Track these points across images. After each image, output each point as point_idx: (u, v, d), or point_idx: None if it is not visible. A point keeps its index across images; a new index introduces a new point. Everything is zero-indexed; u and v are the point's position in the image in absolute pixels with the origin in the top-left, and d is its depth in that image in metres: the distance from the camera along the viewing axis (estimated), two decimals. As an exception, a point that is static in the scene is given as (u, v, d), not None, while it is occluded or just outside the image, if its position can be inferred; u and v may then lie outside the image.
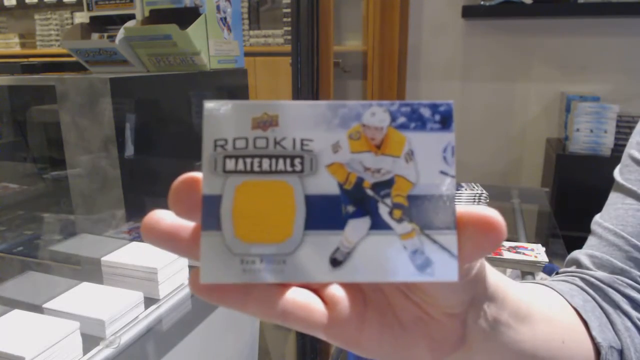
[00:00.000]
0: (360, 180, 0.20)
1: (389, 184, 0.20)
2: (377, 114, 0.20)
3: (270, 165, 0.20)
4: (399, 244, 0.20)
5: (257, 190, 0.19)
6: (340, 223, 0.20)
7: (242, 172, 0.19)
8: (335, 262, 0.20)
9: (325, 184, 0.20)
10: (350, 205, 0.20)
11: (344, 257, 0.20)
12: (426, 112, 0.20)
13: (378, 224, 0.20)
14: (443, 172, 0.20)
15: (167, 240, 0.20)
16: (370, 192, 0.20)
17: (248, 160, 0.20)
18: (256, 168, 0.20)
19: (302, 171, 0.20)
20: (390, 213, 0.20)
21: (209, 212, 0.19)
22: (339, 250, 0.20)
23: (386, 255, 0.20)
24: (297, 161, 0.20)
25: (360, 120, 0.20)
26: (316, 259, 0.20)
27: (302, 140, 0.20)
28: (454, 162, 0.20)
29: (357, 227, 0.20)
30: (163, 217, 0.20)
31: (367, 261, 0.20)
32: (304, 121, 0.20)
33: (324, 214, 0.20)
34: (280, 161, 0.20)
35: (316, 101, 0.20)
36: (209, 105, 0.19)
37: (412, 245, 0.20)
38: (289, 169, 0.20)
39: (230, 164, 0.19)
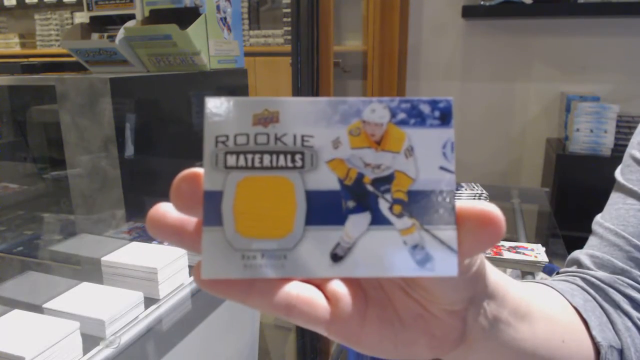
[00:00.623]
0: (360, 176, 0.20)
1: (389, 179, 0.20)
2: (377, 111, 0.20)
3: (271, 161, 0.20)
4: (399, 239, 0.20)
5: (258, 186, 0.20)
6: (340, 218, 0.20)
7: (243, 168, 0.20)
8: (335, 257, 0.20)
9: (326, 180, 0.20)
10: (350, 200, 0.20)
11: (345, 253, 0.20)
12: (426, 109, 0.20)
13: (378, 219, 0.20)
14: (443, 168, 0.20)
15: (173, 234, 0.20)
16: (370, 188, 0.20)
17: (249, 156, 0.20)
18: (257, 164, 0.20)
19: (302, 167, 0.20)
20: (391, 208, 0.20)
21: (210, 207, 0.19)
22: (339, 245, 0.20)
23: (386, 251, 0.20)
24: (297, 157, 0.20)
25: (361, 117, 0.20)
26: (317, 254, 0.20)
27: (302, 136, 0.20)
28: (454, 158, 0.20)
29: (358, 222, 0.20)
30: (169, 210, 0.20)
31: (368, 256, 0.20)
32: (304, 117, 0.20)
33: (324, 210, 0.20)
34: (281, 157, 0.20)
35: (316, 97, 0.20)
36: (210, 101, 0.20)
37: (412, 240, 0.20)
38: (289, 164, 0.20)
39: (231, 160, 0.20)
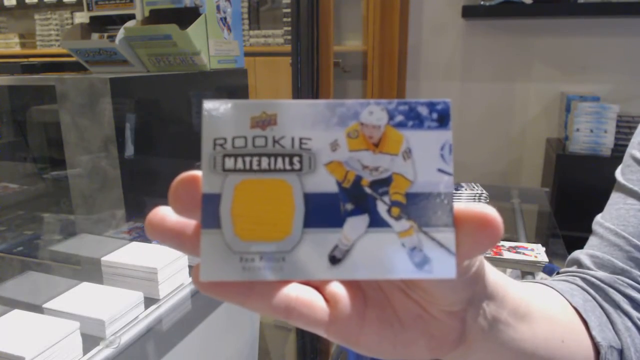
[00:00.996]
0: (358, 179, 0.20)
1: (387, 182, 0.20)
2: (375, 113, 0.20)
3: (269, 164, 0.20)
4: (397, 241, 0.20)
5: (256, 189, 0.20)
6: (339, 221, 0.20)
7: (241, 170, 0.20)
8: (334, 260, 0.20)
9: (324, 182, 0.20)
10: (348, 203, 0.20)
11: (343, 255, 0.20)
12: (424, 111, 0.20)
13: (376, 222, 0.20)
14: (441, 170, 0.20)
15: (172, 237, 0.20)
16: (368, 190, 0.20)
17: (247, 159, 0.20)
18: (255, 167, 0.20)
19: (300, 170, 0.20)
20: (389, 211, 0.20)
21: (209, 210, 0.19)
22: (337, 248, 0.20)
23: (385, 253, 0.20)
24: (295, 160, 0.20)
25: (358, 119, 0.20)
26: (315, 256, 0.20)
27: (300, 139, 0.20)
28: (452, 160, 0.20)
29: (356, 224, 0.20)
30: (168, 213, 0.20)
31: (366, 258, 0.20)
32: (302, 120, 0.20)
33: (322, 212, 0.20)
34: (279, 160, 0.20)
35: (314, 100, 0.20)
36: (208, 104, 0.20)
37: (410, 242, 0.20)
38: (287, 167, 0.20)
39: (229, 163, 0.20)
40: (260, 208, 0.20)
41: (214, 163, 0.20)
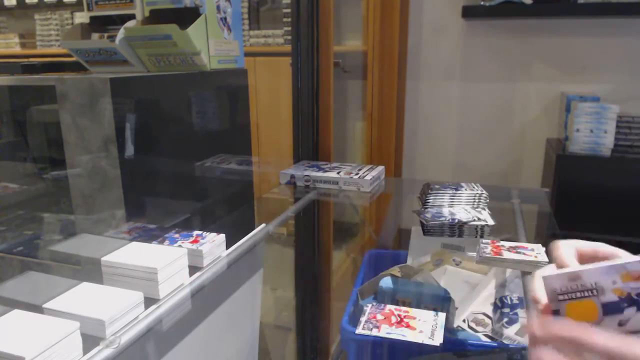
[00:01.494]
0: (630, 293, 0.41)
1: None
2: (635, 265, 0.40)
3: (582, 295, 0.42)
4: None
5: (577, 304, 0.42)
6: (622, 310, 0.41)
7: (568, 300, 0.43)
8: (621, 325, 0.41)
9: (611, 297, 0.41)
10: (625, 303, 0.41)
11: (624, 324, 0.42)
12: None
13: None
14: None
15: None
16: (636, 297, 0.40)
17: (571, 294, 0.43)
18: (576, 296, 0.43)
19: (597, 295, 0.42)
20: None
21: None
22: (621, 322, 0.41)
23: None
24: (594, 291, 0.42)
25: (626, 269, 0.40)
26: (611, 330, 0.41)
27: (595, 282, 0.41)
28: None
29: (632, 313, 0.41)
30: None
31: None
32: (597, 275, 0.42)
33: (613, 308, 0.41)
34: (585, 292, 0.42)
35: (599, 266, 0.41)
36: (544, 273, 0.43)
37: None
38: (592, 294, 0.42)
39: (562, 297, 0.43)
40: (581, 312, 0.42)
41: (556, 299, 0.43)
